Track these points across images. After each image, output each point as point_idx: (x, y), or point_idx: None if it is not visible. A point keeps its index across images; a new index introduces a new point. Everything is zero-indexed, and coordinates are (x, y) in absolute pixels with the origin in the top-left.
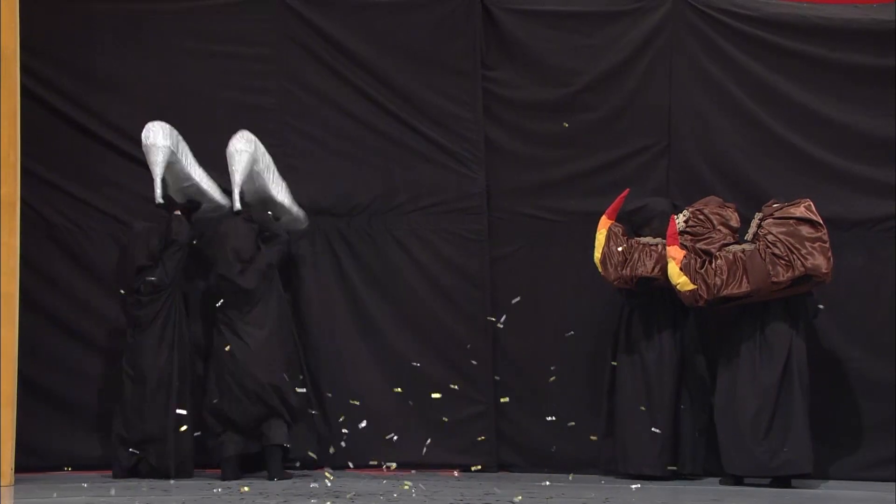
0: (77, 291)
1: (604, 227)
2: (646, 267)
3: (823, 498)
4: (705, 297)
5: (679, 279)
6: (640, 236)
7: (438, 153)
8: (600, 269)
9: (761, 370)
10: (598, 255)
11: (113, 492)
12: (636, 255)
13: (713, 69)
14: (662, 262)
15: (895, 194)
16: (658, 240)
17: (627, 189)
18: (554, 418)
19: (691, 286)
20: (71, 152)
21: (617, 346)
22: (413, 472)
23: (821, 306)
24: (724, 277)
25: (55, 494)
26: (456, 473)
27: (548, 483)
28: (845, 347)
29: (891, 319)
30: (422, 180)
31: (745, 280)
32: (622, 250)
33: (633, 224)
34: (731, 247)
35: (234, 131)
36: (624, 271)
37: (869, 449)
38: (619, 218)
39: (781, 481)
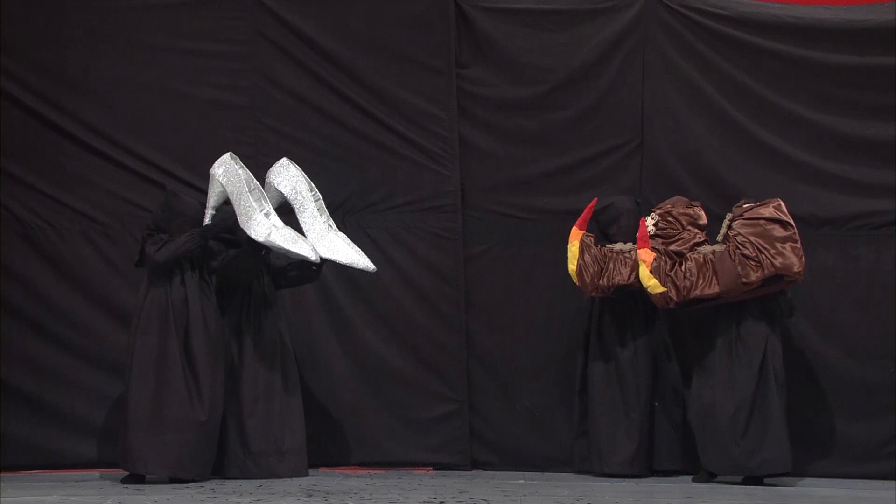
0: (50, 291)
1: (576, 238)
2: (622, 275)
3: (796, 495)
4: (675, 299)
5: (649, 282)
6: (607, 236)
7: (412, 151)
8: (576, 281)
9: (738, 370)
10: (572, 266)
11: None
12: (611, 265)
13: (686, 68)
14: (637, 268)
15: (866, 193)
16: (629, 245)
17: (595, 198)
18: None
19: (661, 289)
20: (43, 150)
21: (588, 346)
22: (385, 470)
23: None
24: (694, 279)
25: (30, 492)
26: (429, 471)
27: (522, 481)
28: (817, 345)
29: (862, 317)
30: (396, 178)
31: (714, 281)
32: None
33: (600, 223)
34: (701, 248)
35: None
36: (600, 281)
37: (841, 446)
38: None
39: (754, 479)
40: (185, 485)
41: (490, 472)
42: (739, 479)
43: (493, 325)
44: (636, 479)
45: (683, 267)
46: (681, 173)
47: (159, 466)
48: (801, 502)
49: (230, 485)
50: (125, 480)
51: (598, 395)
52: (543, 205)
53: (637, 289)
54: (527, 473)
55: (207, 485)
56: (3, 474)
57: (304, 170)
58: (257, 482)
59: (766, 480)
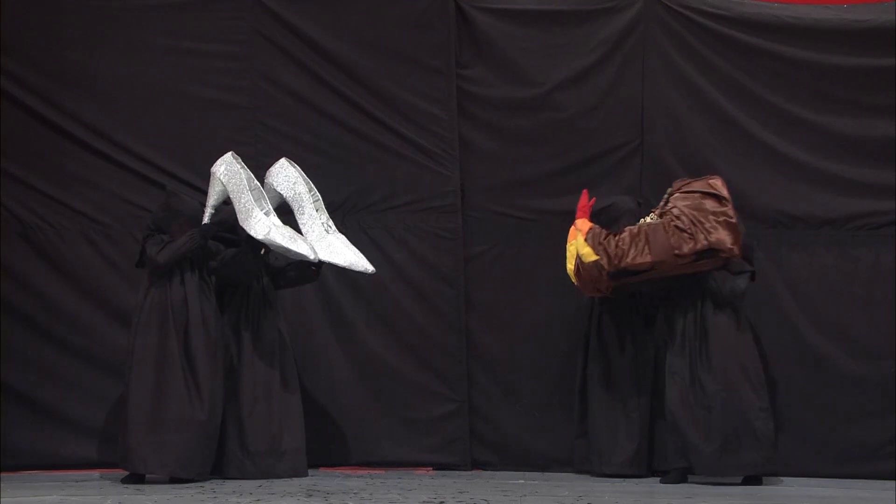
0: (50, 291)
1: (574, 237)
2: None
3: (796, 495)
4: (607, 268)
5: (584, 250)
6: None
7: (412, 151)
8: (574, 281)
9: (703, 371)
10: (570, 266)
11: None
12: None
13: (686, 68)
14: None
15: (866, 193)
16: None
17: (594, 199)
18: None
19: (594, 257)
20: (43, 150)
21: (588, 346)
22: (385, 470)
23: (741, 284)
24: (626, 248)
25: (30, 492)
26: (429, 471)
27: (522, 481)
28: (817, 345)
29: (862, 317)
30: (396, 178)
31: (647, 251)
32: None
33: (600, 223)
34: (640, 221)
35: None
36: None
37: (841, 446)
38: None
39: (753, 479)
40: (185, 485)
41: (490, 472)
42: (734, 479)
43: (493, 325)
44: (636, 479)
45: (617, 237)
46: (681, 173)
47: (159, 466)
48: (801, 502)
49: (230, 485)
50: (125, 480)
51: (598, 396)
52: (544, 205)
53: (636, 289)
54: (527, 473)
55: (207, 485)
56: (3, 474)
57: (303, 170)
58: (257, 482)
59: (763, 480)
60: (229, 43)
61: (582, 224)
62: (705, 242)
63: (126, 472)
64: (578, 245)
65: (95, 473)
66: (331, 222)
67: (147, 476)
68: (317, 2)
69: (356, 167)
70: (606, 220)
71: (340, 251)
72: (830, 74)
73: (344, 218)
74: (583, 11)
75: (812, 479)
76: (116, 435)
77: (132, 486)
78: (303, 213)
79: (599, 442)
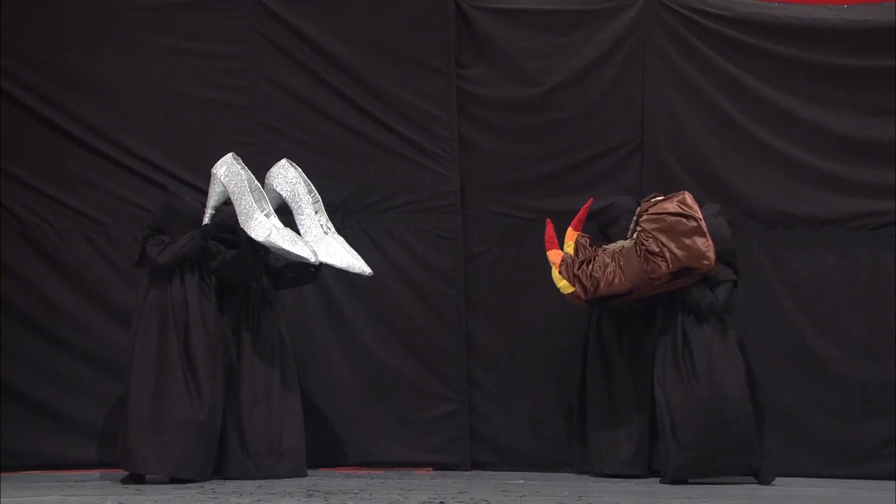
0: (50, 291)
1: (571, 238)
2: None
3: (796, 495)
4: (584, 297)
5: (560, 283)
6: (606, 236)
7: (412, 151)
8: None
9: (688, 378)
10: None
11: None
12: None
13: (686, 68)
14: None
15: (866, 193)
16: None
17: (591, 199)
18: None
19: (571, 288)
20: (43, 150)
21: (587, 347)
22: (385, 470)
23: (713, 301)
24: (599, 276)
25: (30, 492)
26: (429, 472)
27: (522, 481)
28: (817, 345)
29: (862, 317)
30: (396, 178)
31: (621, 277)
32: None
33: (599, 223)
34: (611, 245)
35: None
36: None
37: (841, 446)
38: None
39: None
40: (185, 485)
41: (490, 472)
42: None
43: (493, 325)
44: (636, 479)
45: (590, 266)
46: (681, 173)
47: (159, 466)
48: (801, 502)
49: (230, 485)
50: (125, 480)
51: (598, 396)
52: (544, 205)
53: (622, 308)
54: (527, 473)
55: (207, 485)
56: (3, 474)
57: (303, 170)
58: (257, 482)
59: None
60: (229, 43)
61: (553, 256)
62: (678, 263)
63: (126, 472)
64: (554, 278)
65: (95, 473)
66: (329, 224)
67: (147, 476)
68: (317, 2)
69: (356, 167)
70: (606, 220)
71: (338, 253)
72: (830, 74)
73: (344, 218)
74: (583, 11)
75: (812, 479)
76: (116, 435)
77: (132, 486)
78: (301, 214)
79: (599, 442)
